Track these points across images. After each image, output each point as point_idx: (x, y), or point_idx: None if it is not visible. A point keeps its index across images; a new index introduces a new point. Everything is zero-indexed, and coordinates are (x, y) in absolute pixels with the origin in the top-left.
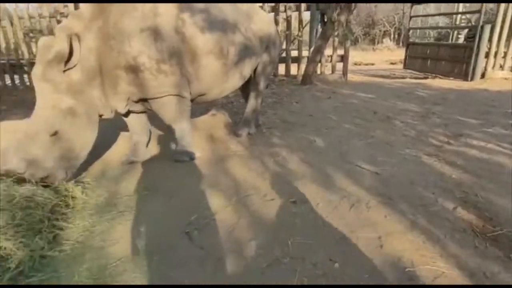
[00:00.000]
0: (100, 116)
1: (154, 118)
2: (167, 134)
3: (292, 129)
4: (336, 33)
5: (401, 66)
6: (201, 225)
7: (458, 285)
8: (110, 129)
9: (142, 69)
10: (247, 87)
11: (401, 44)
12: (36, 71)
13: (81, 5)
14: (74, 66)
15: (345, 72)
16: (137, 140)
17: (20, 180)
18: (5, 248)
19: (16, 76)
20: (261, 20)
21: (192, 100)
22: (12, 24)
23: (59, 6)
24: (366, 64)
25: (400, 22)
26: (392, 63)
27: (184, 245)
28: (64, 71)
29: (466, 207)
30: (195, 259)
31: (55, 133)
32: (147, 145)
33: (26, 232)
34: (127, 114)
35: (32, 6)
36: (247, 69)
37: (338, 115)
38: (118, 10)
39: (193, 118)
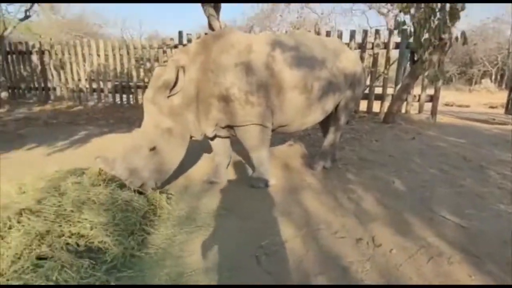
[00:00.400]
0: (191, 137)
1: (235, 143)
2: (246, 159)
3: (369, 167)
4: (426, 73)
5: (502, 110)
6: (271, 251)
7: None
8: (195, 148)
9: (232, 99)
10: (327, 121)
11: (504, 86)
12: (147, 94)
13: (192, 43)
14: (177, 93)
15: (434, 112)
16: (219, 162)
17: (122, 185)
18: (105, 242)
19: (124, 96)
20: (347, 58)
21: (273, 130)
22: (128, 52)
23: (166, 39)
24: (460, 106)
25: (504, 62)
26: (491, 107)
27: (252, 268)
28: (168, 96)
29: None
30: (261, 282)
31: (153, 148)
32: (227, 167)
33: (122, 232)
34: (213, 137)
35: (144, 37)
36: (329, 105)
37: (422, 158)
38: (218, 47)
39: (271, 147)
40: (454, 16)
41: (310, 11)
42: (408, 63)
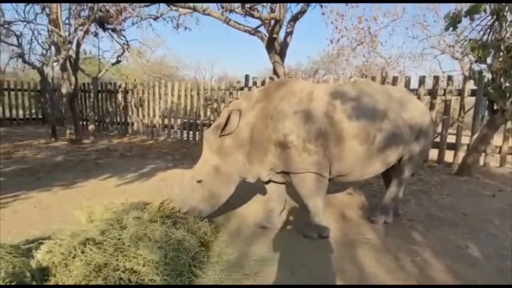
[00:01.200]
0: (244, 179)
1: (291, 189)
2: (301, 206)
3: (438, 227)
4: (509, 124)
5: None
6: None
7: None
8: (252, 190)
9: (289, 145)
10: (390, 173)
11: None
12: (206, 132)
13: (255, 90)
14: (229, 134)
15: None
16: (272, 207)
17: (176, 223)
18: (154, 281)
19: (191, 133)
20: (414, 108)
21: (331, 179)
22: (198, 93)
23: (233, 81)
24: None
25: None
26: None
27: None
28: (220, 136)
29: None
30: None
31: (200, 181)
32: (280, 213)
33: (171, 272)
34: (268, 181)
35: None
36: (392, 157)
37: (503, 219)
38: (280, 95)
39: (328, 194)
40: None
41: (377, 55)
42: (486, 111)
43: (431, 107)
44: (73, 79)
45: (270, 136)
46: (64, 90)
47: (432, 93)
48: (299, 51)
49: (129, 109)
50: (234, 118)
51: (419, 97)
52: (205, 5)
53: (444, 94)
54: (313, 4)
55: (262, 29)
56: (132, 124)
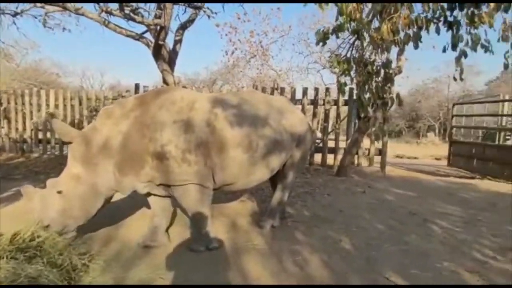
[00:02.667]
0: (113, 192)
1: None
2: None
3: (319, 225)
4: (372, 129)
5: (445, 162)
6: None
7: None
8: (134, 208)
9: (168, 156)
10: (275, 178)
11: (447, 139)
12: None
13: (130, 98)
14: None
15: (382, 166)
16: (157, 223)
17: (33, 257)
18: None
19: None
20: (293, 117)
21: (217, 189)
22: (81, 103)
23: (122, 90)
24: (409, 158)
25: (446, 118)
26: (436, 159)
27: None
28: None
29: None
30: None
31: (60, 192)
32: (167, 229)
33: None
34: (148, 194)
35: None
36: (275, 163)
37: (371, 213)
38: (158, 103)
39: (221, 204)
40: (390, 80)
41: (269, 68)
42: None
43: (314, 115)
44: None
45: (147, 147)
46: None
47: (314, 103)
48: (197, 62)
49: None
50: (62, 127)
51: (303, 107)
52: (78, 4)
53: (324, 104)
54: (201, 13)
55: (148, 35)
56: None
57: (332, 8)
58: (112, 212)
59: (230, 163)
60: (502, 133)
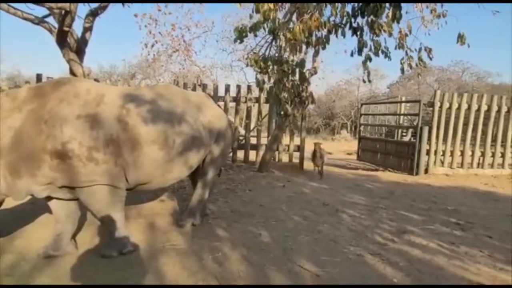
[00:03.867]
0: (5, 196)
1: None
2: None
3: (239, 220)
4: (288, 126)
5: (355, 156)
6: None
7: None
8: (34, 211)
9: (70, 155)
10: (195, 176)
11: (357, 135)
12: None
13: (23, 88)
14: None
15: (301, 160)
16: (61, 229)
17: None
18: None
19: None
20: (211, 113)
21: (131, 189)
22: None
23: (21, 81)
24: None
25: (356, 116)
26: (348, 154)
27: None
28: None
29: None
30: None
31: None
32: (73, 237)
33: None
34: (48, 198)
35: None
36: (193, 160)
37: (288, 206)
38: (58, 96)
39: (139, 204)
40: (305, 79)
41: (192, 64)
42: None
43: (236, 112)
44: None
45: (45, 145)
46: None
47: (236, 100)
48: (115, 55)
49: None
50: None
51: (225, 104)
52: None
53: (246, 102)
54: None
55: (51, 20)
56: None
57: (251, 6)
58: (5, 221)
59: (145, 161)
60: (400, 130)
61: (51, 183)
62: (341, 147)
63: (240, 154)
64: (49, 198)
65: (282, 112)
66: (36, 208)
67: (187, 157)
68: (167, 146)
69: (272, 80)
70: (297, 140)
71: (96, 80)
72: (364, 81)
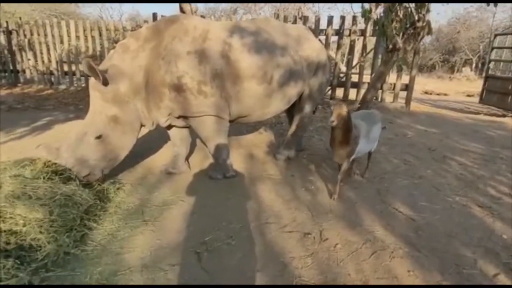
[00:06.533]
0: (142, 126)
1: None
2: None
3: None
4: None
5: (478, 99)
6: (213, 248)
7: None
8: (157, 137)
9: (184, 88)
10: (292, 111)
11: (483, 74)
12: (91, 80)
13: (143, 28)
14: (112, 81)
15: (408, 101)
16: (177, 152)
17: (68, 179)
18: (38, 239)
19: None
20: (310, 46)
21: (233, 121)
22: (100, 34)
23: (140, 21)
24: (439, 94)
25: (485, 51)
26: (469, 95)
27: (191, 265)
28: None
29: (511, 276)
30: (196, 281)
31: (99, 137)
32: (187, 158)
33: (59, 228)
34: (169, 127)
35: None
36: (291, 94)
37: (388, 147)
38: (171, 33)
39: (240, 136)
40: (422, 5)
41: None
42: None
43: (338, 47)
44: None
45: (164, 79)
46: None
47: (339, 33)
48: None
49: (17, 54)
50: (92, 69)
51: (327, 37)
52: None
53: (350, 35)
54: None
55: None
56: (24, 71)
57: None
58: (139, 144)
59: (245, 95)
60: None
61: (170, 114)
62: (461, 88)
63: (339, 92)
64: (168, 126)
65: (390, 46)
66: (157, 134)
67: (285, 91)
68: (265, 81)
69: (381, 8)
70: (405, 79)
71: (202, 16)
72: (488, 3)
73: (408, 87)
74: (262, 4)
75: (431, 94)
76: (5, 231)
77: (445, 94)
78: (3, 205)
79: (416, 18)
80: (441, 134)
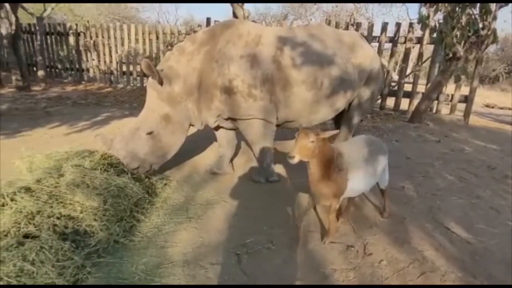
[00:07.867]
0: (191, 125)
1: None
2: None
3: None
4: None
5: None
6: (253, 250)
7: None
8: (205, 137)
9: (234, 91)
10: (340, 119)
11: None
12: (149, 79)
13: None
14: (169, 81)
15: (467, 114)
16: (222, 153)
17: (121, 172)
18: (92, 226)
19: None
20: (364, 54)
21: (279, 125)
22: (157, 38)
23: (194, 25)
24: (502, 108)
25: None
26: None
27: (230, 265)
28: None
29: None
30: (235, 282)
31: (150, 133)
32: (231, 160)
33: (111, 217)
34: (216, 128)
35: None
36: (340, 102)
37: (442, 163)
38: (226, 37)
39: (284, 141)
40: (488, 11)
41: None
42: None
43: (391, 55)
44: (13, 18)
45: (216, 81)
46: (3, 31)
47: (393, 40)
48: None
49: (83, 54)
50: (150, 68)
51: (380, 44)
52: None
53: (405, 42)
54: None
55: None
56: (88, 70)
57: None
58: (186, 143)
59: (294, 101)
60: None
61: (220, 115)
62: None
63: (390, 101)
64: (216, 128)
65: (450, 54)
66: (204, 134)
67: (334, 99)
68: (315, 88)
69: (440, 15)
70: (464, 90)
71: (253, 21)
72: None
73: (467, 99)
74: (313, 10)
75: (493, 107)
76: (64, 215)
77: (510, 109)
78: (64, 192)
79: (481, 25)
80: (502, 152)
